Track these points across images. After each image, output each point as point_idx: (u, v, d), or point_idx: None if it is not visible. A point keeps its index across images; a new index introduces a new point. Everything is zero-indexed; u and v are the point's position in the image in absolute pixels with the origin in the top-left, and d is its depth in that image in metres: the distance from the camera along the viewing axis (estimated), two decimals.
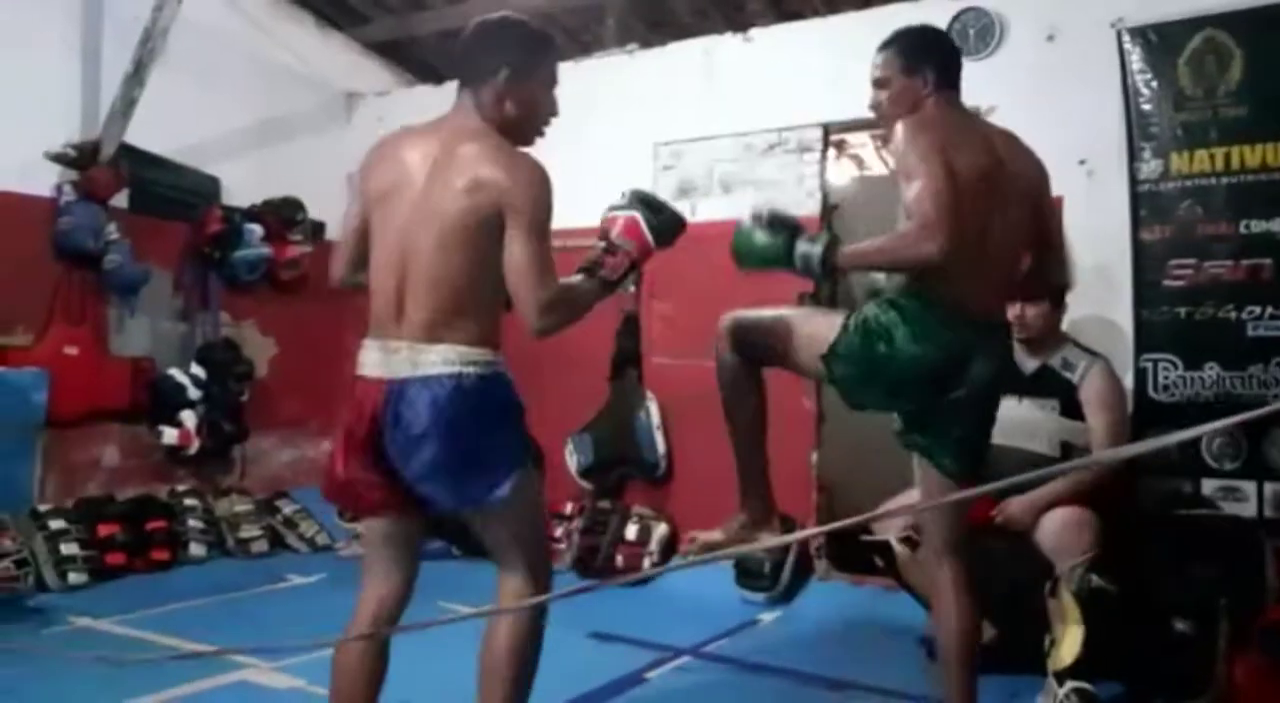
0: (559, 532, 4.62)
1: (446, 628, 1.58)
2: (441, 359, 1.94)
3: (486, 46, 2.08)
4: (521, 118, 2.08)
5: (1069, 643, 2.71)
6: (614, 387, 4.68)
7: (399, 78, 5.96)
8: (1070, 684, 2.70)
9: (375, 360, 2.01)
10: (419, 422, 1.93)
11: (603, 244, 2.13)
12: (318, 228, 5.46)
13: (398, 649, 2.11)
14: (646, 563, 4.35)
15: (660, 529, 4.46)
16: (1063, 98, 3.76)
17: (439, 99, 5.45)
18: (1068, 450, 3.12)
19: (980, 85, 3.94)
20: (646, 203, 2.17)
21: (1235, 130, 3.44)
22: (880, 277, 2.36)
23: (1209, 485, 3.42)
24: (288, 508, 5.03)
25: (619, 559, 4.42)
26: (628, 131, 4.76)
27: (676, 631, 3.56)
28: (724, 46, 4.62)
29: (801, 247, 2.19)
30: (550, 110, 2.15)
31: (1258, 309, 3.38)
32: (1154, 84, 3.57)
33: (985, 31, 3.93)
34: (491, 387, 1.98)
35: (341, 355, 5.84)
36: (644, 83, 4.80)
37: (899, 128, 2.18)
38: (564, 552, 4.57)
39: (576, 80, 5.07)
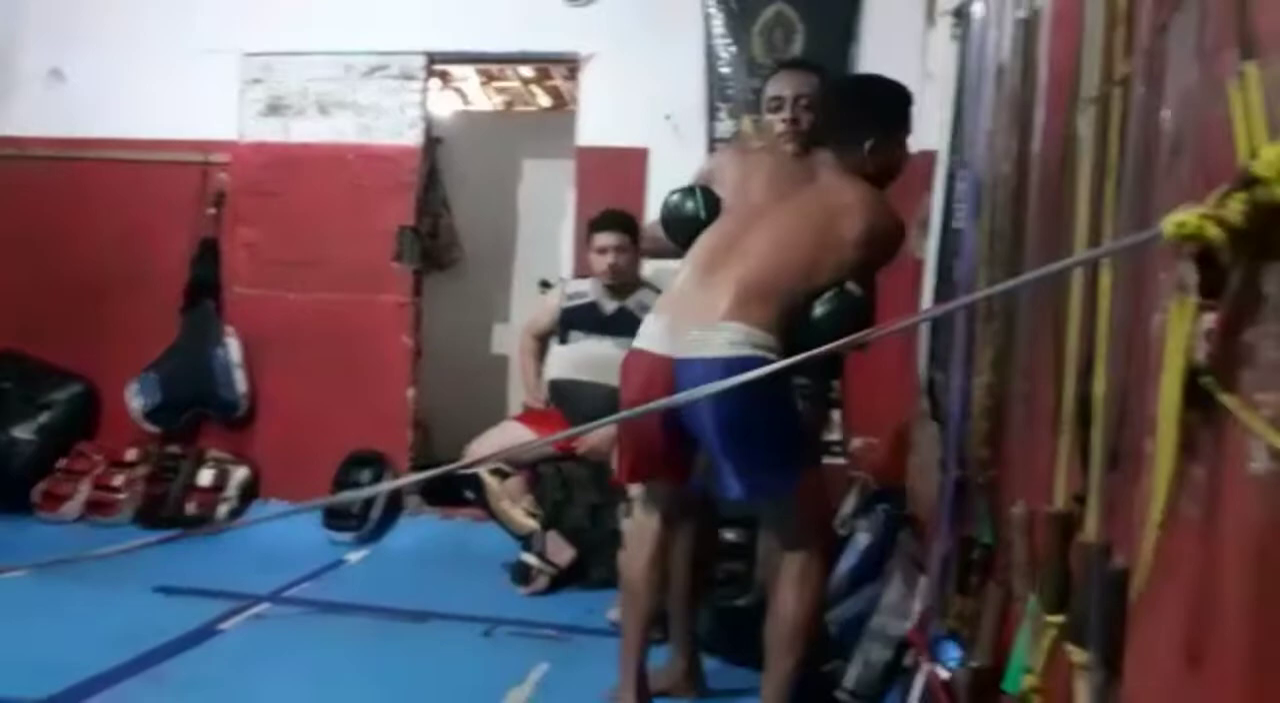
0: (119, 481, 4.14)
1: None
2: None
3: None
4: None
5: None
6: (187, 320, 4.24)
7: None
8: None
9: None
10: None
11: None
12: None
13: None
14: (223, 509, 4.04)
15: (239, 473, 4.15)
16: (654, 53, 3.96)
17: None
18: None
19: (578, 34, 4.07)
20: None
21: None
22: None
23: None
24: None
25: (191, 507, 4.06)
26: (209, 38, 4.28)
27: (255, 578, 3.34)
28: None
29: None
30: None
31: None
32: (732, 49, 3.88)
33: None
34: None
35: None
36: None
37: None
38: (124, 503, 4.10)
39: None
